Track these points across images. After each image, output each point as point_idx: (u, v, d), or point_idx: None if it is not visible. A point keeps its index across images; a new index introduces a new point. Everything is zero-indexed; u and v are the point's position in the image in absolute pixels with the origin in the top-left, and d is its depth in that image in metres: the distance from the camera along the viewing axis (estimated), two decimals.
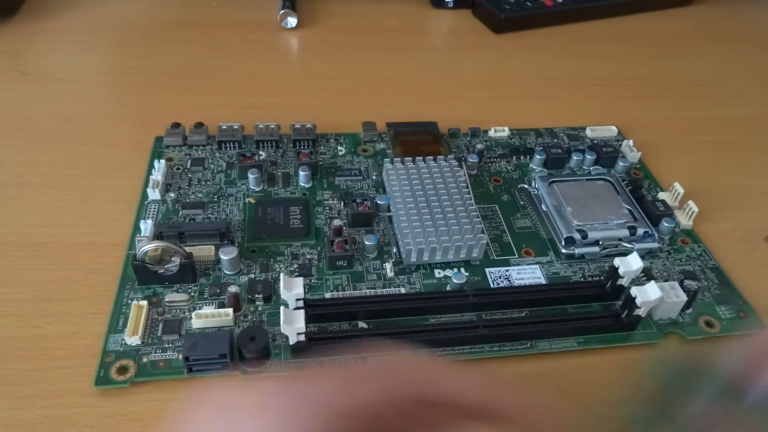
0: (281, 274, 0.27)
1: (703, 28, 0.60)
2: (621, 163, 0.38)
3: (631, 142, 0.40)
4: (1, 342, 0.27)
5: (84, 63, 0.46)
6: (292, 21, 0.52)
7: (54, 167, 0.36)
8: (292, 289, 0.26)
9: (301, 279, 0.26)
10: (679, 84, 0.51)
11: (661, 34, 0.59)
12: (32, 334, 0.27)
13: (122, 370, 0.26)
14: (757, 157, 0.43)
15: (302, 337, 0.25)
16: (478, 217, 0.32)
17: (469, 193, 0.34)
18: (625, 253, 0.30)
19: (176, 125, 0.38)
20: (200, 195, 0.34)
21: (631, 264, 0.29)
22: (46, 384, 0.25)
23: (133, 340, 0.26)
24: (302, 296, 0.26)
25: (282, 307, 0.25)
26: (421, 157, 0.36)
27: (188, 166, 0.36)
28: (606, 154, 0.39)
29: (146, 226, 0.31)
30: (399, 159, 0.35)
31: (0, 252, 0.31)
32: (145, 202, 0.34)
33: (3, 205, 0.33)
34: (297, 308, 0.26)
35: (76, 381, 0.25)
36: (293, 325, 0.25)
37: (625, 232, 0.33)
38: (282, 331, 0.25)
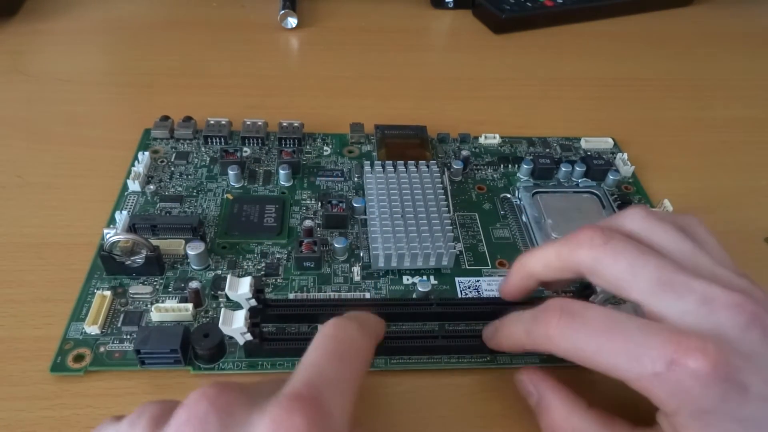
0: (228, 275, 0.27)
1: (703, 28, 0.59)
2: (611, 177, 0.37)
3: (625, 156, 0.39)
4: (1, 343, 0.27)
5: (84, 63, 0.46)
6: (292, 21, 0.52)
7: (54, 167, 0.36)
8: (238, 290, 0.26)
9: (248, 278, 0.26)
10: (678, 84, 0.50)
11: (661, 34, 0.58)
12: (33, 335, 0.27)
13: (78, 358, 0.26)
14: (757, 157, 0.42)
15: (248, 337, 0.25)
16: (450, 225, 0.31)
17: (445, 201, 0.33)
18: None
19: (165, 118, 0.38)
20: (180, 189, 0.35)
21: None
22: (44, 385, 0.25)
23: (92, 329, 0.27)
24: (249, 296, 0.26)
25: (222, 308, 0.25)
26: (403, 162, 0.35)
27: (172, 159, 0.37)
28: (596, 166, 0.38)
29: (121, 218, 0.31)
30: (380, 162, 0.35)
31: (0, 252, 0.31)
32: (125, 194, 0.34)
33: (3, 206, 0.33)
34: (252, 307, 0.26)
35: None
36: (231, 326, 0.25)
37: None
38: (223, 332, 0.25)
